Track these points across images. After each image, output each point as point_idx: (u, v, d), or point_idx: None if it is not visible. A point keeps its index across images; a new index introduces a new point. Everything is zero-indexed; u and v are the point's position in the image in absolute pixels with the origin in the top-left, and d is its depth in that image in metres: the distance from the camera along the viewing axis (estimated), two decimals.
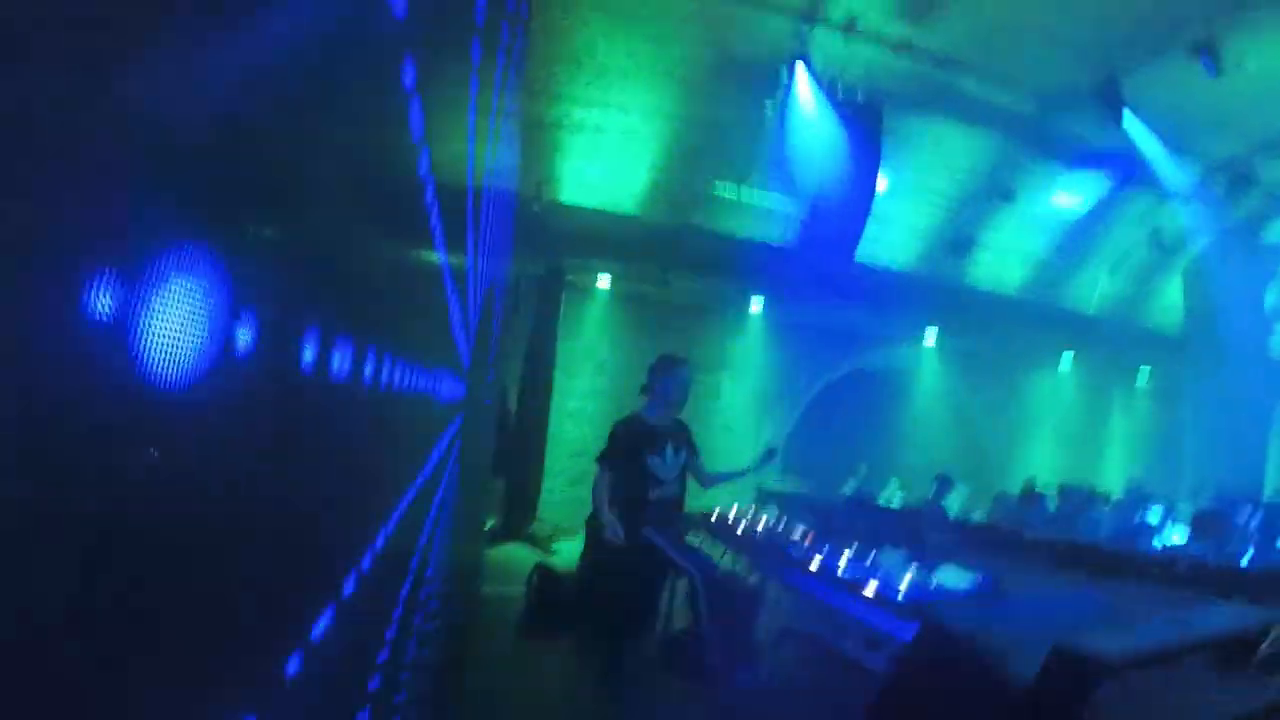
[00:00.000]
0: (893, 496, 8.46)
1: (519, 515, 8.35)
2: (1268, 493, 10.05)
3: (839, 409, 10.19)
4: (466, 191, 2.28)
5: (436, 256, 1.98)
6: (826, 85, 8.32)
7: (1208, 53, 7.54)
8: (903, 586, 3.55)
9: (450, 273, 2.23)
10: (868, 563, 3.95)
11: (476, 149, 2.10)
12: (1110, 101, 8.60)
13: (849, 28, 7.99)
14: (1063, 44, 8.11)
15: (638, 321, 9.73)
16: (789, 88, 8.44)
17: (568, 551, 7.17)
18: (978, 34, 8.04)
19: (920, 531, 4.81)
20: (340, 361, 1.02)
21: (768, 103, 8.61)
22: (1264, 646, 2.16)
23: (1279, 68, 7.83)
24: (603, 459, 3.88)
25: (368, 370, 1.34)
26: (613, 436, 3.91)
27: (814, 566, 3.82)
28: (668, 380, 3.92)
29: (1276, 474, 11.83)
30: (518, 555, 7.32)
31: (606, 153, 8.86)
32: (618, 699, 3.82)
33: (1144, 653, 1.51)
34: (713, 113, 8.67)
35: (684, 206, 9.40)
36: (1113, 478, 10.91)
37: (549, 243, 8.51)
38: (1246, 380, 11.04)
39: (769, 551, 4.31)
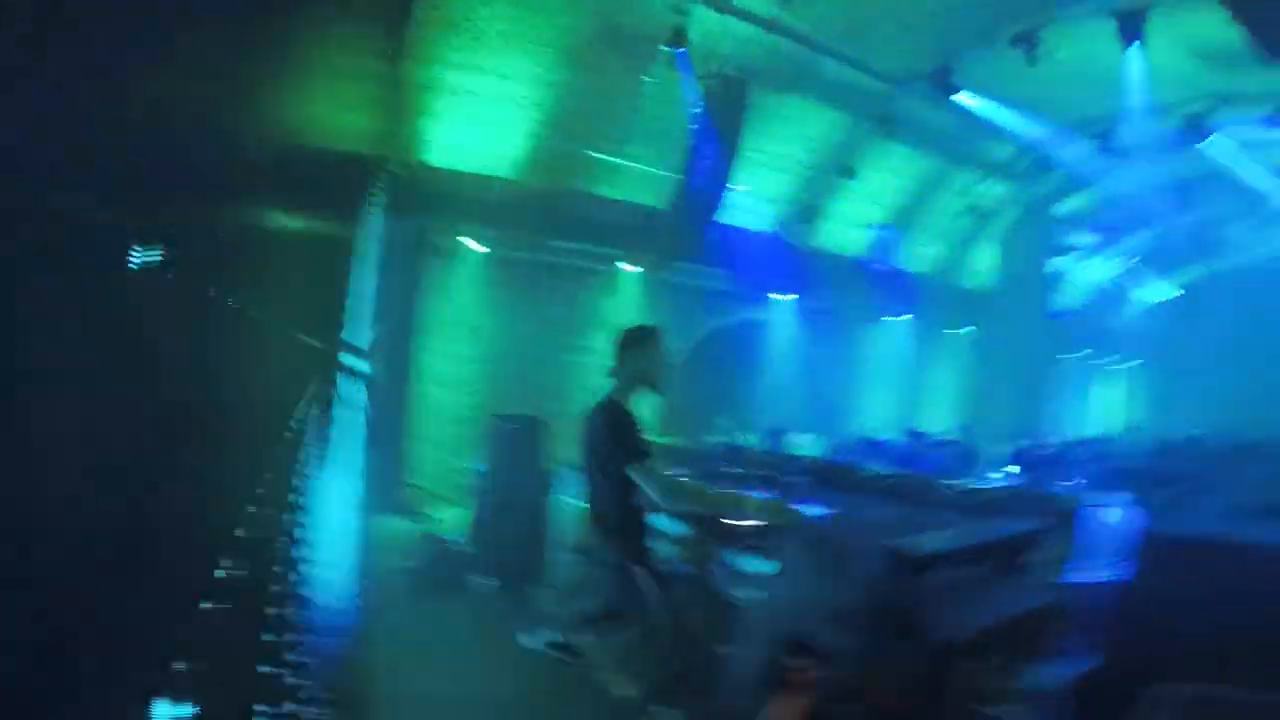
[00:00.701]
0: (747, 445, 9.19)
1: (389, 485, 8.21)
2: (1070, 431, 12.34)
3: (706, 365, 10.80)
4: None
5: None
6: (700, 60, 8.60)
7: (1026, 42, 8.55)
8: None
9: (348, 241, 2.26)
10: None
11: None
12: (944, 86, 9.60)
13: (725, 5, 8.27)
14: (911, 31, 8.90)
15: (511, 284, 9.70)
16: (666, 61, 8.63)
17: (450, 520, 7.21)
18: (839, 17, 8.63)
19: (779, 473, 5.35)
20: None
21: (645, 78, 8.78)
22: (1028, 554, 2.75)
23: (1085, 58, 8.97)
24: (649, 454, 2.83)
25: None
26: (631, 424, 2.89)
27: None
28: (645, 356, 3.00)
29: (1070, 414, 14.36)
30: (393, 526, 7.26)
31: (480, 117, 8.67)
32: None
33: (943, 552, 1.94)
34: (592, 82, 8.71)
35: (561, 172, 9.42)
36: (943, 423, 12.48)
37: (415, 205, 8.27)
38: (1036, 335, 13.50)
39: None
